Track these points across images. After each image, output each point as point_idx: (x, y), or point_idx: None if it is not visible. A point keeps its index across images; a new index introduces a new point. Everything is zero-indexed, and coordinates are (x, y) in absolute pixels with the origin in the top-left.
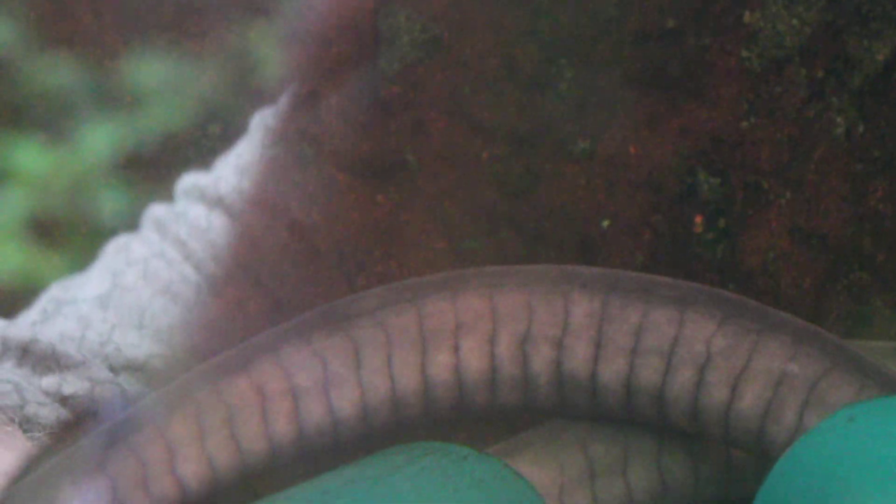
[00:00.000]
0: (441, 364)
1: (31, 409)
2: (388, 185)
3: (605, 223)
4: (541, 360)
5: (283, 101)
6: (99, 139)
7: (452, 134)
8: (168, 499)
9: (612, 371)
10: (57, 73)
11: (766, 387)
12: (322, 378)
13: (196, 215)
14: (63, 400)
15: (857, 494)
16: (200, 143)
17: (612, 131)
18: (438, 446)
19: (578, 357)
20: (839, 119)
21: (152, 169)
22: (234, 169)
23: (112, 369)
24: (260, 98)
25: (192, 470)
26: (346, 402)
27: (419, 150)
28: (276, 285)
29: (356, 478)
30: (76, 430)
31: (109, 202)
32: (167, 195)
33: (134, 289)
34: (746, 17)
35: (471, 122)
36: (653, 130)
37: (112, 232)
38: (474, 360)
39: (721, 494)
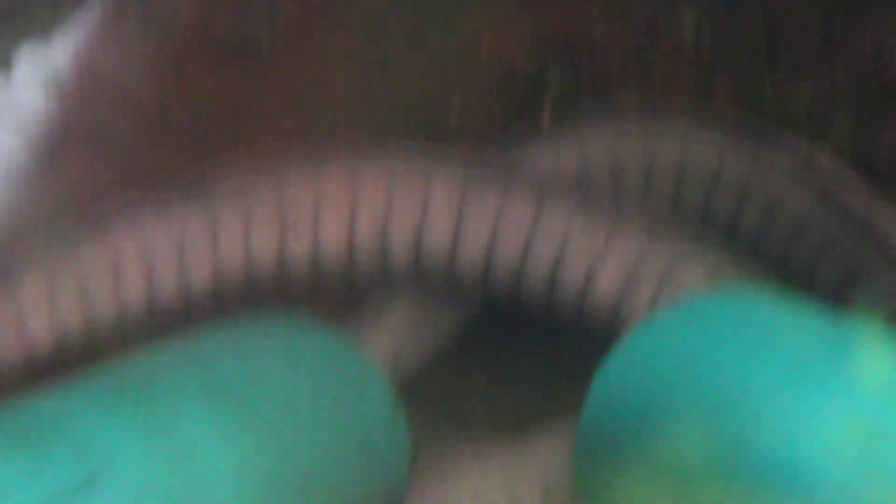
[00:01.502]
0: (300, 240)
1: None
2: (239, 66)
3: (457, 113)
4: (400, 239)
5: None
6: None
7: (306, 18)
8: (14, 358)
9: (470, 252)
10: None
11: (622, 272)
12: (178, 249)
13: (34, 96)
14: None
15: (695, 380)
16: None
17: (465, 22)
18: (281, 314)
19: (438, 237)
20: (688, 23)
21: None
22: (75, 49)
23: None
24: None
25: (40, 330)
26: (200, 273)
27: (272, 33)
28: (125, 163)
29: (202, 345)
30: None
31: None
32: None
33: None
34: None
35: (325, 6)
36: (506, 28)
37: None
38: (333, 237)
39: None
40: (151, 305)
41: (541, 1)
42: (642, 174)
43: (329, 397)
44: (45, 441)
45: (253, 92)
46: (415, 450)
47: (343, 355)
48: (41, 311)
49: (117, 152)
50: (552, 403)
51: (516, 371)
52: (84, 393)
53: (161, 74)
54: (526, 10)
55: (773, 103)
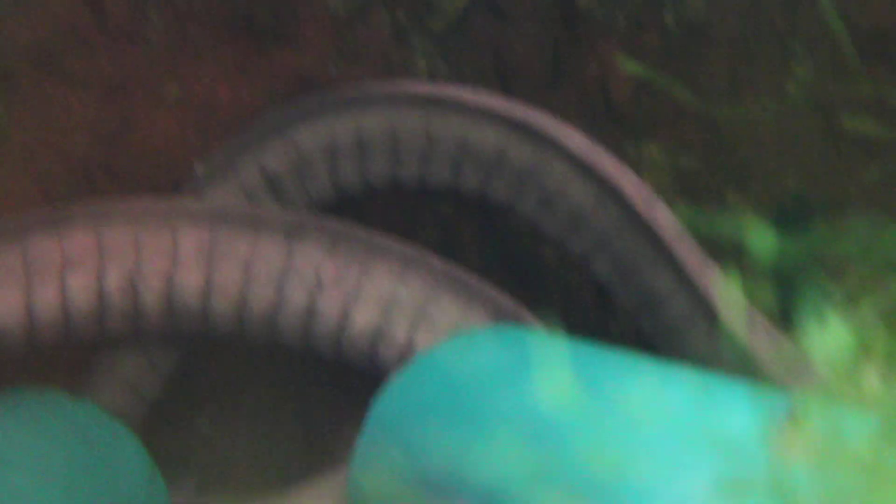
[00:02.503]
0: (46, 303)
1: None
2: None
3: (200, 167)
4: (151, 294)
5: None
6: None
7: (43, 84)
8: None
9: (223, 302)
10: None
11: (377, 310)
12: None
13: None
14: None
15: (472, 398)
16: None
17: (202, 77)
18: (31, 393)
19: (190, 289)
20: (422, 61)
21: None
22: None
23: None
24: None
25: None
26: None
27: (9, 102)
28: None
29: None
30: None
31: None
32: None
33: None
34: None
35: (61, 73)
36: (243, 74)
37: None
38: (82, 297)
39: None
40: None
41: (275, 46)
42: (421, 147)
43: (84, 470)
44: None
45: None
46: None
47: (95, 426)
48: None
49: None
50: (319, 456)
51: (278, 424)
52: None
53: None
54: (261, 58)
55: None
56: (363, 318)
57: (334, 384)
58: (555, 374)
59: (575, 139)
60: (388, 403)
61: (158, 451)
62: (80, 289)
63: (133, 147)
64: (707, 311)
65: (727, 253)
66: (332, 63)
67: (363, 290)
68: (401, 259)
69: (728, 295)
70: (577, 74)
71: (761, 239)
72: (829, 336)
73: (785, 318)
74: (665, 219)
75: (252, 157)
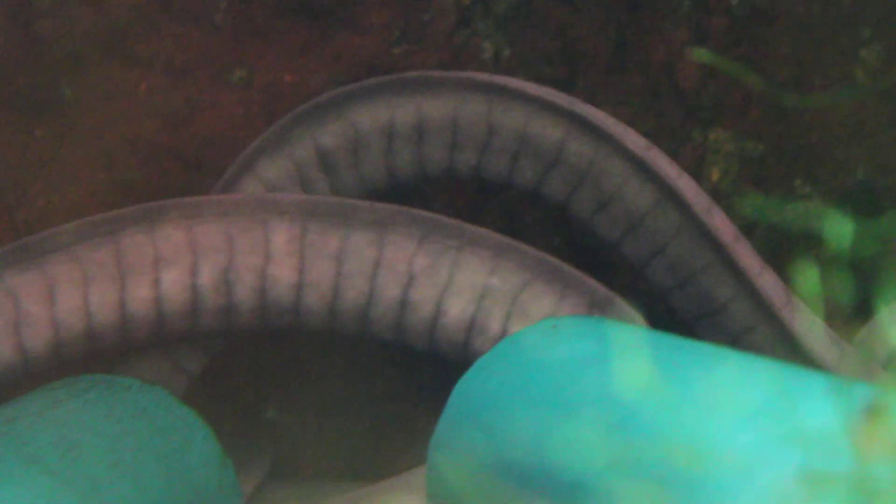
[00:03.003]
0: (141, 299)
1: None
2: (45, 119)
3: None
4: (244, 288)
5: None
6: None
7: (109, 67)
8: None
9: (316, 295)
10: None
11: (470, 301)
12: (13, 317)
13: None
14: None
15: (555, 385)
16: None
17: (267, 60)
18: (101, 378)
19: (282, 284)
20: (486, 44)
21: None
22: None
23: None
24: None
25: None
26: (38, 341)
27: (76, 84)
28: None
29: (18, 415)
30: None
31: None
32: None
33: None
34: None
35: (127, 55)
36: (307, 58)
37: None
38: (176, 293)
39: None
40: None
41: (340, 29)
42: (481, 135)
43: (155, 456)
44: None
45: (61, 145)
46: None
47: (165, 412)
48: None
49: None
50: (388, 445)
51: (347, 414)
52: None
53: None
54: (326, 41)
55: None
56: (456, 309)
57: (403, 375)
58: (637, 364)
59: (634, 139)
60: (471, 386)
61: (228, 438)
62: (174, 284)
63: (198, 130)
64: (769, 318)
65: (795, 242)
66: (396, 46)
67: (456, 281)
68: (493, 248)
69: (796, 301)
70: (644, 59)
71: (838, 227)
72: None
73: (860, 308)
74: (723, 223)
75: (308, 133)
